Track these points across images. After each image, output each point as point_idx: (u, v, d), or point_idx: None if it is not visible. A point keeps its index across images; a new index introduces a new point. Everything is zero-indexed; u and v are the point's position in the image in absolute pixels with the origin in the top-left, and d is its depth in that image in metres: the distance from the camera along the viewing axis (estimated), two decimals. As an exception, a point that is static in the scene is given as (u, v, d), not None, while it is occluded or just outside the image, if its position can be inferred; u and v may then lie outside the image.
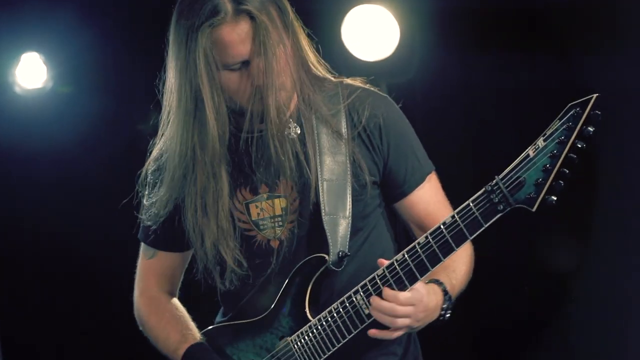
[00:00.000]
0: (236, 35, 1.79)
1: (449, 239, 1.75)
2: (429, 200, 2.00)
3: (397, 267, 1.80)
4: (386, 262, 1.81)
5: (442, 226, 1.76)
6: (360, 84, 2.01)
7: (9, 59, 3.92)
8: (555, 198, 1.66)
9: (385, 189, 1.99)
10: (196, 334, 2.04)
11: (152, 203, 1.98)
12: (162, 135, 1.98)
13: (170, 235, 2.02)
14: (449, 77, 3.96)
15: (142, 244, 2.12)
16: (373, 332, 1.83)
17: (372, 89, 2.02)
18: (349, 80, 2.00)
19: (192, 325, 2.07)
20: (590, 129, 1.62)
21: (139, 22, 4.00)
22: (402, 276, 1.80)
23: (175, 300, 2.14)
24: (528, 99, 3.99)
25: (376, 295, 1.80)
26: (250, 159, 1.91)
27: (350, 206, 1.90)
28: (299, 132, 1.89)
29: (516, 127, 3.99)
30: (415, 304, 1.80)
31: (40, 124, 4.02)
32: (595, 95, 1.63)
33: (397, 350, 2.01)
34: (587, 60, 3.86)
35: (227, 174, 1.89)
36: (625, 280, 3.81)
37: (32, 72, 3.94)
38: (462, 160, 4.03)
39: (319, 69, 1.95)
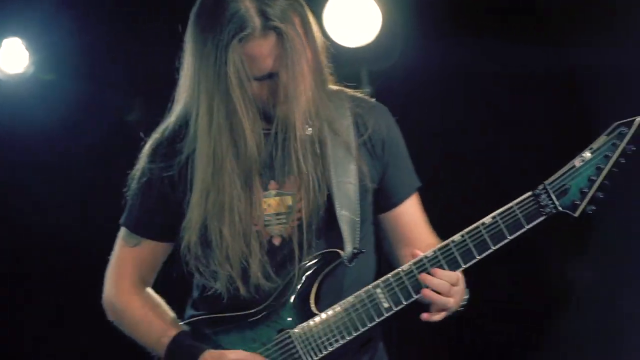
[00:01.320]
0: (264, 50, 1.85)
1: (487, 238, 1.87)
2: (415, 214, 2.09)
3: (426, 263, 1.88)
4: (419, 255, 1.89)
5: (481, 226, 1.88)
6: (361, 96, 2.09)
7: (-9, 45, 3.92)
8: (594, 207, 1.85)
9: (377, 198, 2.06)
10: (179, 324, 2.04)
11: (148, 189, 2.02)
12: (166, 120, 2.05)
13: (164, 224, 2.03)
14: (430, 63, 3.98)
15: (124, 231, 2.10)
16: (425, 316, 1.90)
17: (374, 101, 2.12)
18: (350, 91, 2.09)
19: (174, 315, 2.07)
20: (633, 147, 1.82)
21: (121, 7, 3.99)
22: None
23: (152, 291, 2.12)
24: (509, 83, 4.01)
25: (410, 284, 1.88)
26: (262, 156, 1.95)
27: (359, 208, 1.97)
28: (309, 133, 1.94)
29: (498, 111, 4.03)
30: (461, 285, 1.92)
31: (22, 109, 4.02)
32: (639, 118, 1.82)
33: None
34: (569, 43, 3.89)
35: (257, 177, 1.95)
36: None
37: (13, 58, 3.94)
38: (444, 145, 4.07)
39: (329, 77, 2.01)
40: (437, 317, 1.91)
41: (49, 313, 4.24)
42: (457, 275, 1.89)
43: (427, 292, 1.87)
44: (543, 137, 3.94)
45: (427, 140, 4.02)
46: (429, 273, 1.88)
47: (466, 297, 1.97)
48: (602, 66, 3.81)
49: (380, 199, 2.06)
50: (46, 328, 4.26)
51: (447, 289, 1.87)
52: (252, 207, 1.93)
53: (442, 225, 2.11)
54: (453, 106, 4.05)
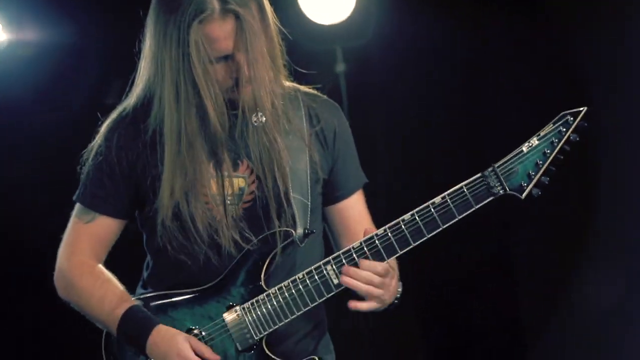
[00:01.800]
0: (223, 32, 1.94)
1: (437, 217, 1.94)
2: (360, 209, 2.19)
3: (376, 240, 1.95)
4: (369, 234, 1.97)
5: (430, 205, 1.95)
6: (315, 92, 2.19)
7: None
8: (540, 191, 1.95)
9: (325, 190, 2.15)
10: (132, 298, 2.09)
11: (105, 166, 2.08)
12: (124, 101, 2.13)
13: (121, 201, 2.10)
14: (405, 41, 3.99)
15: (79, 207, 2.14)
16: (353, 304, 1.97)
17: (326, 97, 2.20)
18: (303, 87, 2.18)
19: (125, 290, 2.11)
20: (577, 137, 1.94)
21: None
22: (381, 250, 1.95)
23: (103, 267, 2.16)
24: (484, 61, 4.02)
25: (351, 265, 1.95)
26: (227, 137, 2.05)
27: (310, 194, 2.07)
28: (264, 121, 2.02)
29: (472, 89, 4.04)
30: (391, 276, 1.99)
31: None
32: (585, 108, 1.95)
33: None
34: (550, 23, 3.90)
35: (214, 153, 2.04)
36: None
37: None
38: (420, 122, 4.09)
39: (283, 69, 2.09)
40: (366, 306, 1.98)
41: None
42: (385, 266, 1.96)
43: (348, 281, 1.95)
44: (517, 113, 3.95)
45: (401, 115, 4.05)
46: (377, 251, 1.96)
47: (400, 290, 2.05)
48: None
49: (328, 191, 2.15)
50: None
51: (369, 280, 1.94)
52: (218, 184, 2.03)
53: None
54: (427, 83, 4.06)
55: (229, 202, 2.03)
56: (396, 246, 1.96)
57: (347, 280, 1.95)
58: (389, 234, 1.96)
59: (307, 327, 2.11)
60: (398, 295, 2.04)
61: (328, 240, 2.22)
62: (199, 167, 1.99)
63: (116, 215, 2.12)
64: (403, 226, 1.95)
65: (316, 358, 2.09)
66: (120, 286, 2.10)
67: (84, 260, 2.11)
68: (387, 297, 1.99)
